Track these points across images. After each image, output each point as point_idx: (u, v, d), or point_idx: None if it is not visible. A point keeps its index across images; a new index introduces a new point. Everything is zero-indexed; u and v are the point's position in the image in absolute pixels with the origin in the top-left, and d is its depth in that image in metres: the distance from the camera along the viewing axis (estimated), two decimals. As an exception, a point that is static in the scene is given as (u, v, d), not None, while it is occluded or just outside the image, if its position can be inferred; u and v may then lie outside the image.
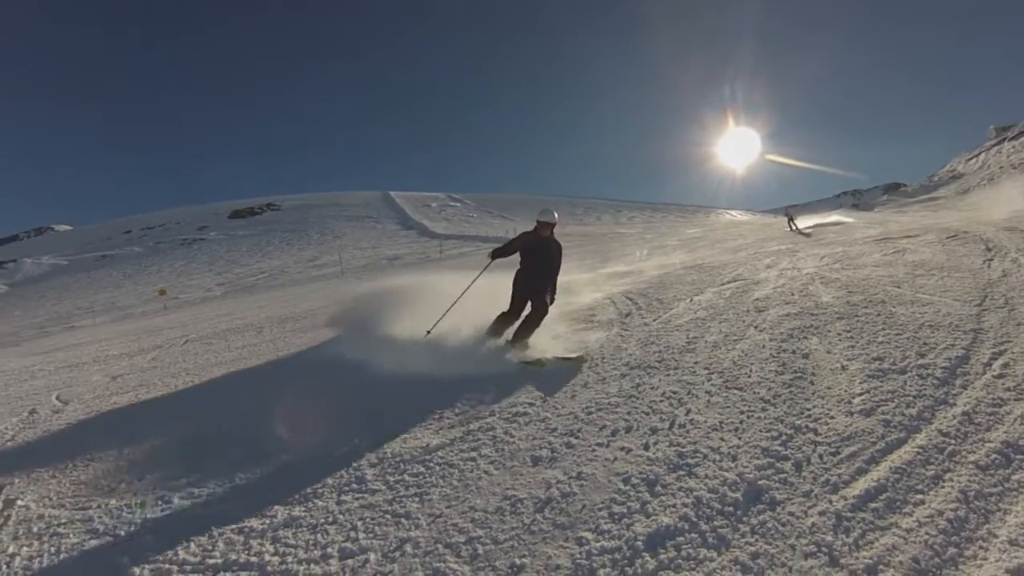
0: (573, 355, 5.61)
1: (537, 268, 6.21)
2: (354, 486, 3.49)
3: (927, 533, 2.46)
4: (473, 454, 3.74)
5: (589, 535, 2.72)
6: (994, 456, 2.94)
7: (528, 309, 6.24)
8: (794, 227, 25.65)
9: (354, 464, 3.77)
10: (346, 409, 4.99)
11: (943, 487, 2.76)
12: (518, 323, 6.19)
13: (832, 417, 3.55)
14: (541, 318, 6.13)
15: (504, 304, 6.36)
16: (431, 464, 3.66)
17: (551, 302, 6.32)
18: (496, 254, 6.42)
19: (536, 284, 6.19)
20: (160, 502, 3.56)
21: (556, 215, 6.27)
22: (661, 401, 4.22)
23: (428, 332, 6.44)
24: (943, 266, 7.88)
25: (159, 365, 8.90)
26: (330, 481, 3.57)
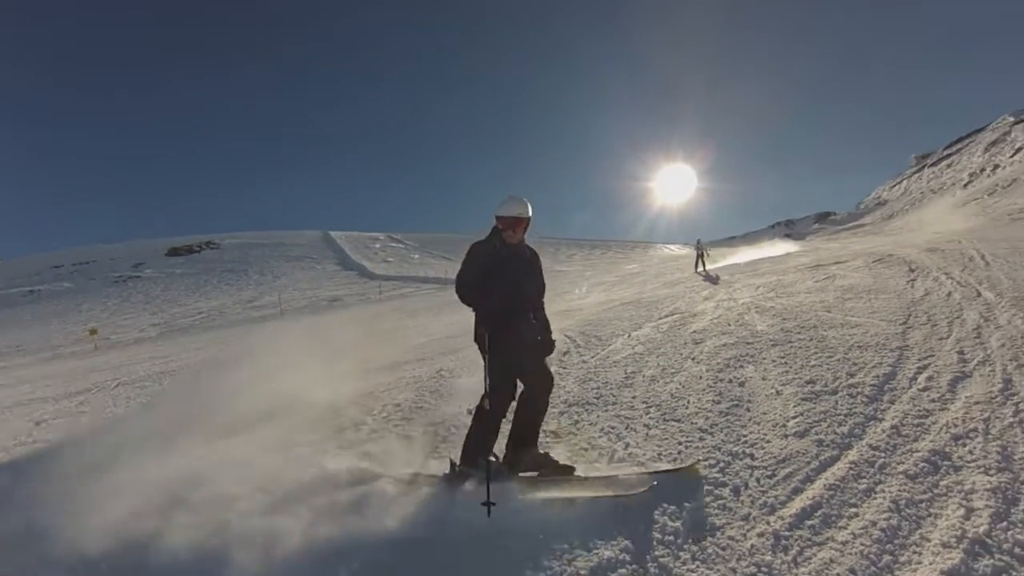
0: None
1: (515, 301, 3.93)
2: None
3: (862, 544, 2.65)
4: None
5: (529, 573, 2.76)
6: (922, 465, 3.20)
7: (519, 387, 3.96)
8: (702, 267, 22.47)
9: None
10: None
11: (875, 498, 2.97)
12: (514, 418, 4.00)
13: (768, 441, 3.77)
14: (548, 395, 4.07)
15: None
16: None
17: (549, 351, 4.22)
18: (473, 302, 3.97)
19: (523, 332, 3.92)
20: None
21: (529, 206, 4.01)
22: (600, 437, 4.36)
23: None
24: (870, 289, 8.52)
25: (89, 410, 8.55)
26: None
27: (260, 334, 21.00)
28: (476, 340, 3.92)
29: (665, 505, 3.12)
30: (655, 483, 3.31)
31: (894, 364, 4.91)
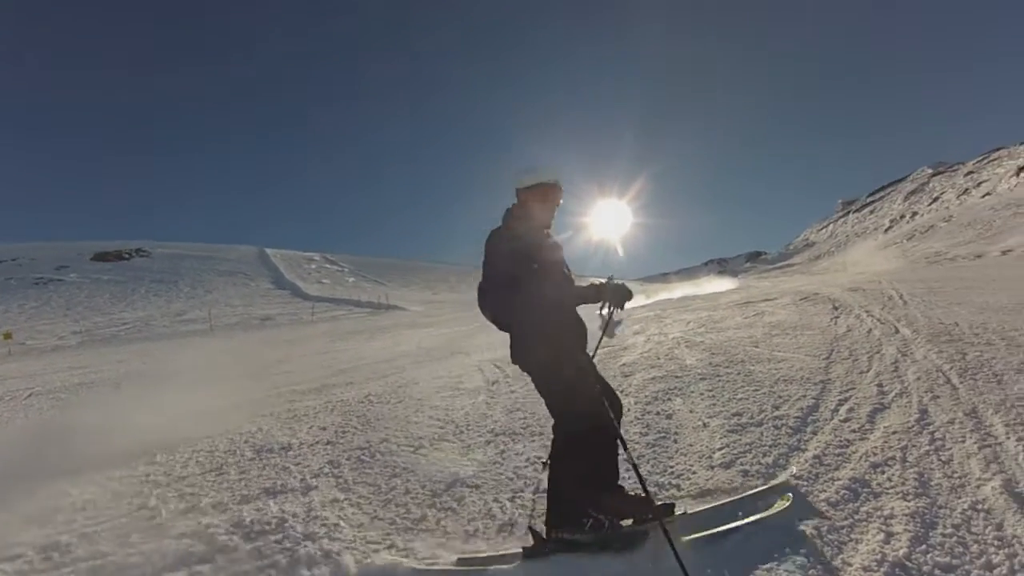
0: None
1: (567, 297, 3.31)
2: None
3: (786, 570, 2.71)
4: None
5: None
6: (843, 492, 3.32)
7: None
8: (602, 319, 15.97)
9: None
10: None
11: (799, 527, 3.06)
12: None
13: (694, 472, 3.86)
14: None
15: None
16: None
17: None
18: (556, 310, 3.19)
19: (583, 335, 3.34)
20: None
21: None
22: (525, 466, 4.36)
23: None
24: (796, 325, 8.95)
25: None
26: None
27: (188, 352, 20.76)
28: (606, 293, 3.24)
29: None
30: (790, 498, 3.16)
31: (817, 397, 5.14)
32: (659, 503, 3.16)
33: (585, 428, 3.06)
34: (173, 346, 25.04)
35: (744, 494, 3.41)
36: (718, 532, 2.94)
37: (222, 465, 5.24)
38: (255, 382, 10.45)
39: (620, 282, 3.28)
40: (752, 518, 3.03)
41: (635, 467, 2.94)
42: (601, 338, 3.53)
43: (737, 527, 2.95)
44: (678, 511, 3.21)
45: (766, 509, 3.13)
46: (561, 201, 3.35)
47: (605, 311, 3.35)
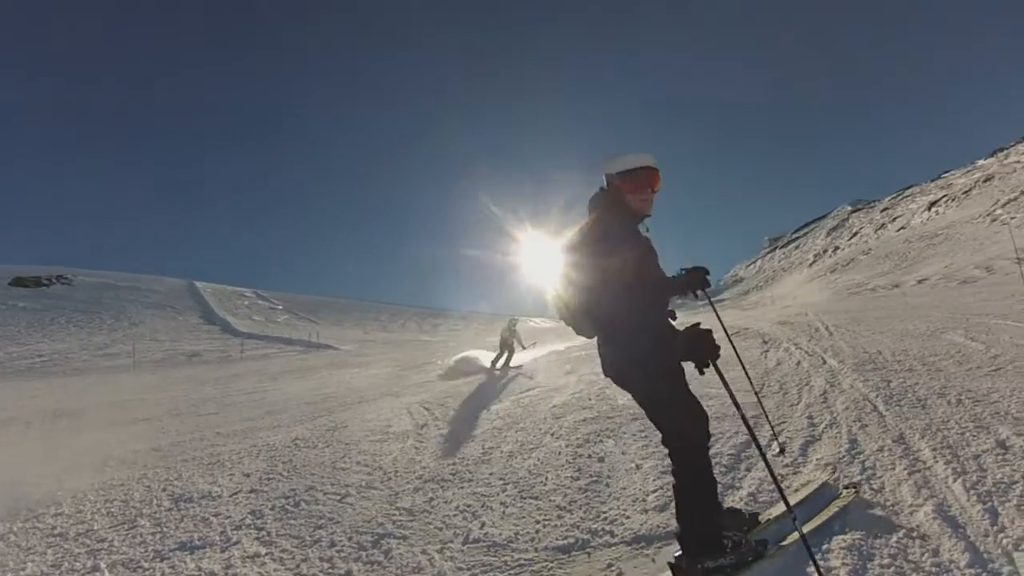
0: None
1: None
2: None
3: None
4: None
5: None
6: (778, 530, 3.33)
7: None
8: (502, 361, 14.66)
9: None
10: None
11: (736, 569, 3.04)
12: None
13: (628, 517, 3.80)
14: None
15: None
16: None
17: None
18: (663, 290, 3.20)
19: None
20: None
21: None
22: (455, 515, 4.21)
23: None
24: (727, 361, 9.06)
25: None
26: None
27: (108, 388, 19.87)
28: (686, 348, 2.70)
29: None
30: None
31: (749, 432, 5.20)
32: (750, 513, 3.31)
33: (705, 441, 3.00)
34: (93, 381, 23.93)
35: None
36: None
37: (136, 516, 4.89)
38: (178, 422, 10.11)
39: (692, 269, 3.19)
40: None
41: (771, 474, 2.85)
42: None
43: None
44: (762, 518, 3.32)
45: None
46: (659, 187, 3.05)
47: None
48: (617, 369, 3.05)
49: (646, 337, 2.81)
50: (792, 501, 3.27)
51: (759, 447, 2.96)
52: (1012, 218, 41.85)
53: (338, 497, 4.92)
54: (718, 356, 2.64)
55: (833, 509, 3.30)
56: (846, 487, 3.62)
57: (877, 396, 5.78)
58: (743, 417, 3.01)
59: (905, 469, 3.85)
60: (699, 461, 2.95)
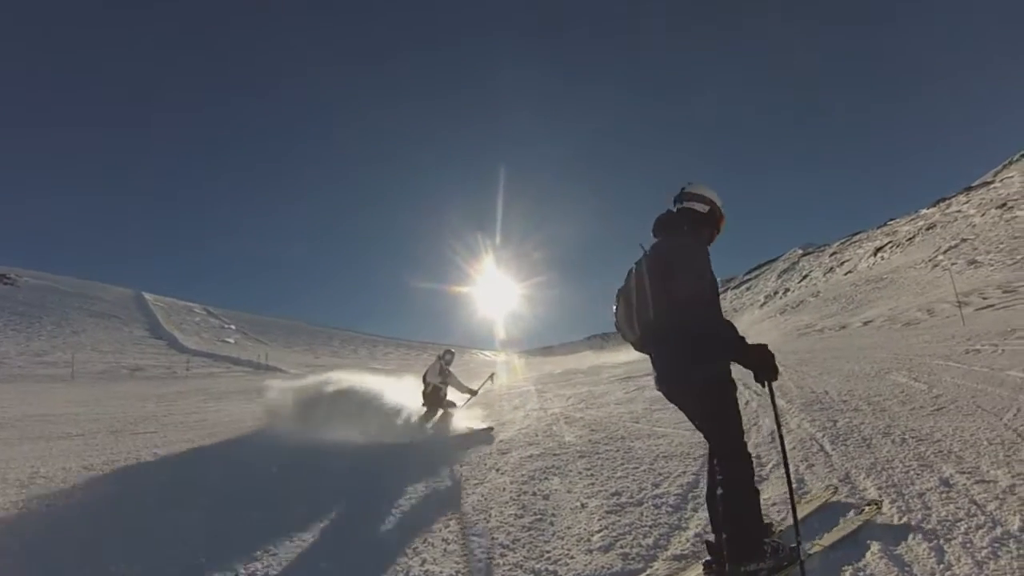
0: None
1: None
2: None
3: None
4: None
5: None
6: (724, 572, 3.33)
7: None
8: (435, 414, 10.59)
9: None
10: None
11: (681, 610, 3.03)
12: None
13: (572, 557, 3.75)
14: None
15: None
16: None
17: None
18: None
19: None
20: None
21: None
22: (397, 553, 4.08)
23: None
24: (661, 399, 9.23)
25: None
26: None
27: (40, 399, 18.89)
28: (755, 361, 2.97)
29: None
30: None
31: (698, 472, 5.26)
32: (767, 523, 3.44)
33: (746, 448, 3.21)
34: (27, 390, 22.93)
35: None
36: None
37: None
38: (114, 440, 9.58)
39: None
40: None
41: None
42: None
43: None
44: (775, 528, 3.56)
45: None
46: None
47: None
48: (682, 379, 3.27)
49: (726, 349, 3.02)
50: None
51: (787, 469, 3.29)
52: (953, 264, 43.86)
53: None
54: (777, 377, 2.98)
55: (854, 525, 3.51)
56: (868, 504, 3.81)
57: (824, 436, 5.91)
58: (781, 439, 3.32)
59: (853, 511, 3.92)
60: (749, 470, 3.17)
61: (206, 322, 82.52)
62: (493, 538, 4.21)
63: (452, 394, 10.84)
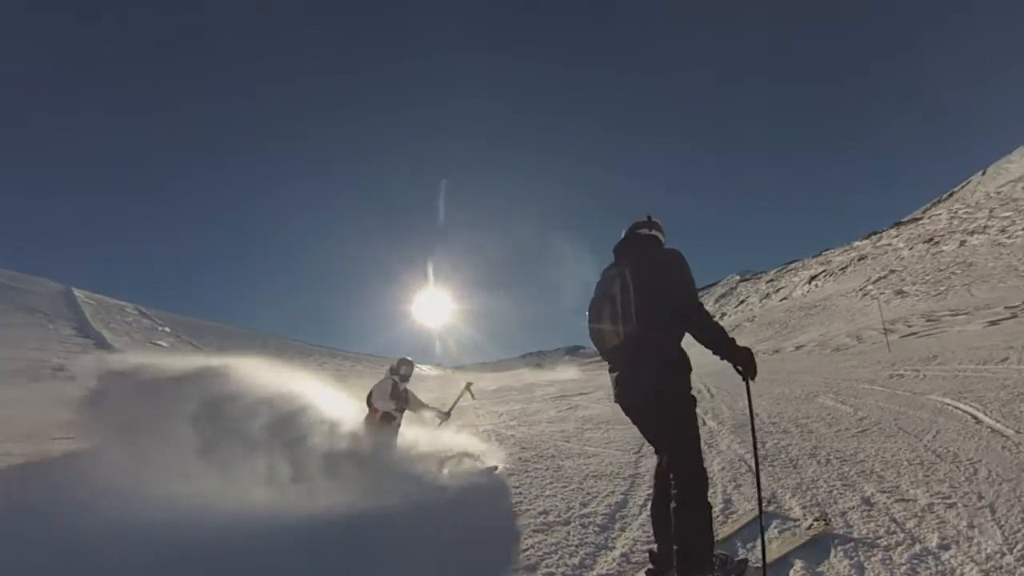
0: None
1: None
2: None
3: None
4: None
5: None
6: (652, 589, 3.33)
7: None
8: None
9: None
10: None
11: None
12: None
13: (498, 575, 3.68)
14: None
15: None
16: None
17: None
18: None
19: None
20: None
21: None
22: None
23: None
24: (608, 420, 9.30)
25: None
26: None
27: None
28: (744, 361, 3.24)
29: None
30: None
31: (626, 492, 5.26)
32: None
33: (703, 464, 3.39)
34: None
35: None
36: None
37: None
38: (28, 446, 8.71)
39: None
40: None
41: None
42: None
43: None
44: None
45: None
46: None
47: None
48: (650, 393, 3.37)
49: (722, 346, 3.23)
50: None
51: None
52: (881, 294, 45.90)
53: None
54: (756, 375, 3.27)
55: (802, 539, 3.58)
56: (816, 519, 3.88)
57: (752, 457, 6.00)
58: (753, 433, 3.52)
59: (776, 528, 3.98)
60: (705, 486, 3.30)
61: (138, 322, 79.27)
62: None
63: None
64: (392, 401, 7.56)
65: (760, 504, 3.38)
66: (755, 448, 3.65)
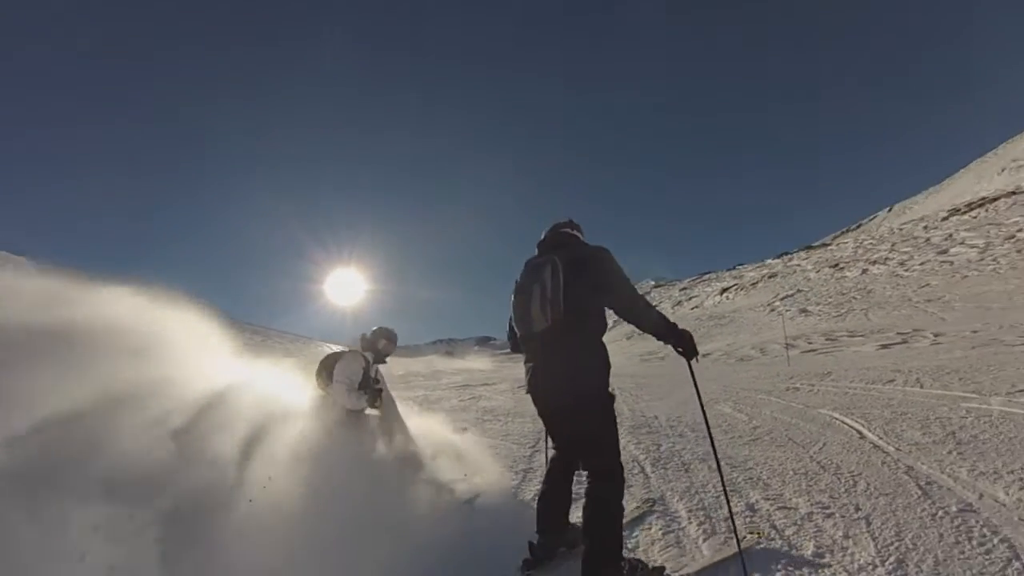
0: None
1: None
2: None
3: None
4: None
5: None
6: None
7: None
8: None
9: None
10: None
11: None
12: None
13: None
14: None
15: None
16: None
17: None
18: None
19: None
20: None
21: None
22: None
23: None
24: (509, 412, 9.28)
25: None
26: None
27: None
28: (686, 343, 3.40)
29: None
30: None
31: (518, 486, 5.23)
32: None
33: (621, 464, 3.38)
34: None
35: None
36: None
37: None
38: None
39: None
40: None
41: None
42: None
43: None
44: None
45: None
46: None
47: None
48: (569, 389, 3.33)
49: (663, 329, 3.39)
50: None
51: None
52: (787, 310, 47.87)
53: None
54: (698, 356, 3.43)
55: (731, 551, 3.47)
56: (748, 532, 3.81)
57: (646, 458, 6.08)
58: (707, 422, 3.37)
59: (660, 529, 4.00)
60: (622, 487, 3.32)
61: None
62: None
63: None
64: (361, 396, 5.13)
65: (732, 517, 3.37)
66: (715, 451, 3.80)
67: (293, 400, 4.86)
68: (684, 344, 3.35)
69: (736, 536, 3.32)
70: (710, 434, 3.72)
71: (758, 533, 3.79)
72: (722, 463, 5.70)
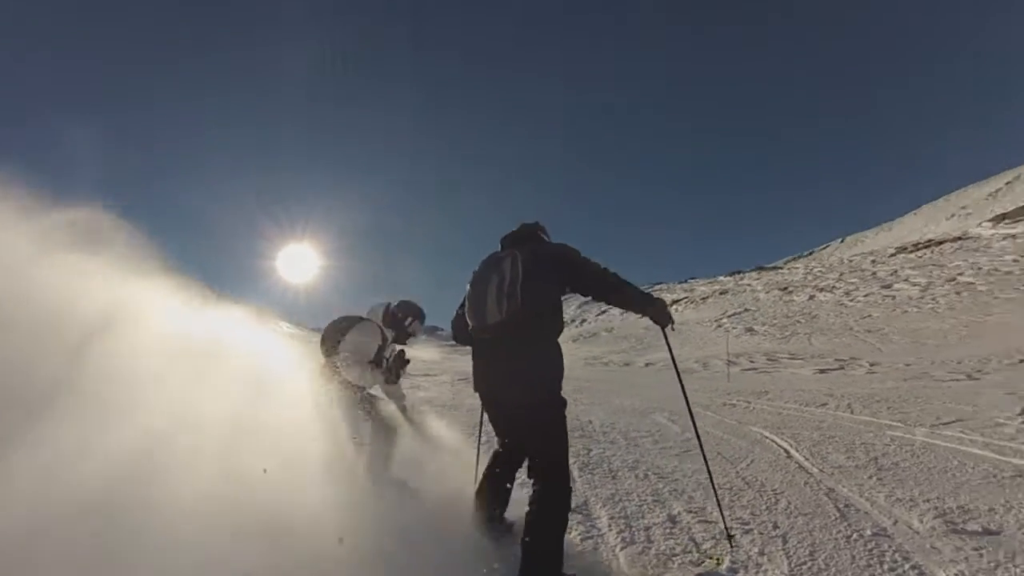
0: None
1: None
2: None
3: None
4: None
5: None
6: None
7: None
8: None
9: None
10: None
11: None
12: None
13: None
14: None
15: None
16: None
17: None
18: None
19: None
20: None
21: None
22: None
23: None
24: (446, 404, 9.21)
25: None
26: None
27: None
28: (661, 312, 3.49)
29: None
30: None
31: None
32: None
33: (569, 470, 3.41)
34: None
35: None
36: None
37: None
38: None
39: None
40: None
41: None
42: None
43: None
44: None
45: None
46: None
47: None
48: (519, 388, 3.31)
49: (638, 298, 3.46)
50: None
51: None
52: (733, 328, 48.79)
53: None
54: (672, 324, 3.55)
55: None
56: (707, 557, 3.70)
57: (574, 463, 6.07)
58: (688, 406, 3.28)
59: (579, 535, 3.98)
60: (569, 494, 3.29)
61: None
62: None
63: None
64: (376, 371, 4.82)
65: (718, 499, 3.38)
66: (703, 451, 3.85)
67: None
68: (658, 313, 3.45)
69: (728, 537, 3.48)
70: (696, 430, 3.74)
71: (716, 559, 3.73)
72: (649, 472, 5.80)
